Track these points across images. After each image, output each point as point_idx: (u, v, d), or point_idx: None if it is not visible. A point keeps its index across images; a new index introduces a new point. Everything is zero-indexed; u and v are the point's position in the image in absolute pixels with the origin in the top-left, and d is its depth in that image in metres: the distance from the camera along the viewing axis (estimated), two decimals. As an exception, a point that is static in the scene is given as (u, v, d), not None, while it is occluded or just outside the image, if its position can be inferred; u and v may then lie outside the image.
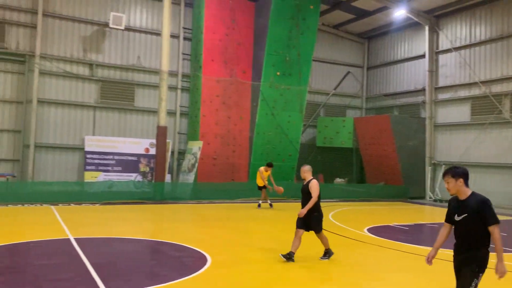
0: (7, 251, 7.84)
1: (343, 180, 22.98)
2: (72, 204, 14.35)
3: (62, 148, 18.76)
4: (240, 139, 20.38)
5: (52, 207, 13.58)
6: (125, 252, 8.10)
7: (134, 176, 19.08)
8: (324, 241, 7.68)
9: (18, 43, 18.06)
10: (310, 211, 7.43)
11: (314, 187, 7.47)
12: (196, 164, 18.72)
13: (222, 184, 18.77)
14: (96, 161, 18.62)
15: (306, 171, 7.79)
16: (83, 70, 19.25)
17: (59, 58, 18.68)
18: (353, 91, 26.01)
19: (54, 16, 18.64)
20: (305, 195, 7.57)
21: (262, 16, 20.27)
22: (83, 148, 18.69)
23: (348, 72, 25.75)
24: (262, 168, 15.08)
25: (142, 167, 19.58)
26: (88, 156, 18.46)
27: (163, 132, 16.93)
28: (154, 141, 18.39)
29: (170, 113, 20.02)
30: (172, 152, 20.50)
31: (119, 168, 19.03)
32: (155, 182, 16.87)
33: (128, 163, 19.30)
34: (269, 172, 15.15)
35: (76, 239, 8.73)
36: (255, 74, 20.50)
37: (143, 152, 19.67)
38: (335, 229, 11.08)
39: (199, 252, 7.98)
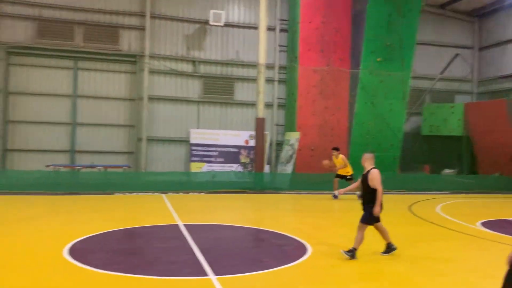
0: (126, 235, 8.66)
1: (452, 171, 21.36)
2: (180, 193, 15.35)
3: (170, 140, 20.13)
4: (338, 130, 19.99)
5: (163, 195, 14.66)
6: (229, 239, 8.45)
7: (235, 167, 19.81)
8: (358, 237, 6.83)
9: (130, 44, 19.71)
10: (367, 202, 6.86)
11: (376, 178, 6.78)
12: (294, 155, 18.81)
13: (320, 175, 18.62)
14: (200, 152, 19.69)
15: (366, 159, 7.03)
16: (187, 67, 20.39)
17: (165, 57, 20.01)
18: (462, 74, 23.96)
19: (160, 17, 19.97)
20: (364, 185, 6.91)
21: (360, 1, 19.57)
22: (188, 141, 19.87)
23: (457, 55, 23.75)
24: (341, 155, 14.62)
25: (243, 158, 20.22)
26: (193, 148, 19.59)
27: (261, 124, 17.28)
28: (253, 133, 18.86)
29: (268, 105, 20.33)
30: (270, 144, 20.84)
31: (221, 159, 19.89)
32: (255, 173, 17.32)
33: (230, 155, 20.07)
34: (338, 159, 14.59)
35: (185, 225, 9.33)
36: (354, 62, 19.91)
37: (243, 144, 20.29)
38: (445, 223, 10.36)
39: (300, 241, 8.02)
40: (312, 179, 17.73)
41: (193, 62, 20.42)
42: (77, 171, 16.74)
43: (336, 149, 14.86)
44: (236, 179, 18.06)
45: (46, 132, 18.85)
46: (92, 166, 17.06)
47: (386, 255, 7.03)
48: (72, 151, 19.04)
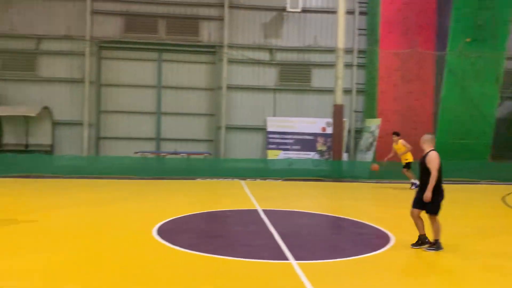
0: (208, 217, 8.99)
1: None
2: (258, 179, 15.61)
3: (247, 128, 20.48)
4: (423, 116, 18.96)
5: (241, 181, 15.00)
6: (308, 225, 8.42)
7: (311, 155, 19.66)
8: (435, 228, 6.38)
9: (209, 35, 20.25)
10: (426, 189, 6.30)
11: (433, 160, 6.19)
12: (375, 143, 18.21)
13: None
14: (276, 140, 19.81)
15: (425, 141, 6.46)
16: (264, 56, 20.51)
17: (243, 46, 20.29)
18: None
19: (239, 7, 20.25)
20: (423, 170, 6.36)
21: (447, -22, 18.25)
22: (265, 129, 20.08)
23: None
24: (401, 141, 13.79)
25: (319, 146, 19.99)
26: (270, 136, 19.75)
27: (339, 111, 16.92)
28: (330, 120, 18.54)
29: (346, 91, 19.83)
30: (349, 131, 20.36)
31: (298, 147, 19.83)
32: (333, 161, 17.05)
33: (306, 142, 19.95)
34: (398, 144, 13.75)
35: (263, 211, 9.47)
36: (440, 43, 18.69)
37: (320, 131, 20.04)
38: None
39: (382, 230, 7.77)
40: (394, 167, 17.04)
41: (270, 50, 20.48)
42: (162, 157, 17.68)
43: (396, 133, 14.13)
44: (313, 167, 17.93)
45: (134, 121, 20.11)
46: (175, 153, 17.92)
47: (415, 247, 6.54)
48: (157, 139, 20.13)
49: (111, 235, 7.20)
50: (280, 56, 20.59)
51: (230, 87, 20.18)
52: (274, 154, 19.49)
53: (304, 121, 20.05)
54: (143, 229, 7.56)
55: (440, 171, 6.24)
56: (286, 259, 5.90)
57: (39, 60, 19.45)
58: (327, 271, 5.49)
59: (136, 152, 18.32)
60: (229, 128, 20.26)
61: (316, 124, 20.01)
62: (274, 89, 20.56)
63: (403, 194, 13.30)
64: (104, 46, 19.80)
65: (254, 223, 8.26)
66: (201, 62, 20.47)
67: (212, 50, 20.30)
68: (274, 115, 20.41)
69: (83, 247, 6.41)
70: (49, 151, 18.97)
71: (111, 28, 19.75)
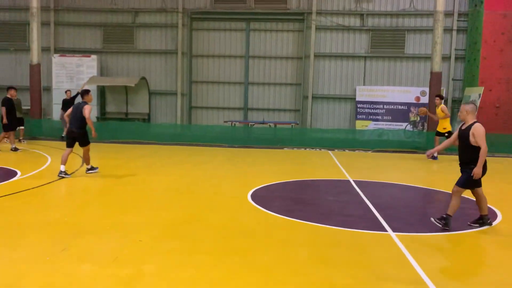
0: (299, 186, 9.07)
1: None
2: (346, 150, 15.33)
3: (335, 98, 20.05)
4: (533, 84, 17.10)
5: (329, 151, 14.83)
6: (403, 197, 8.15)
7: (404, 126, 18.79)
8: (481, 204, 5.94)
9: (298, 2, 19.86)
10: (466, 162, 5.80)
11: (481, 134, 5.63)
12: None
13: (506, 135, 16.38)
14: (366, 110, 19.18)
15: (468, 112, 5.83)
16: (355, 21, 19.70)
17: (332, 12, 19.64)
18: None
19: (328, -29, 19.53)
20: (464, 142, 5.81)
21: None
22: (354, 98, 19.51)
23: None
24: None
25: (412, 117, 19.01)
26: (359, 105, 19.16)
27: (437, 79, 15.83)
28: (425, 89, 17.45)
29: (444, 58, 18.44)
30: (446, 100, 19.04)
31: (389, 117, 19.05)
32: (427, 132, 16.14)
33: (398, 112, 19.07)
34: (438, 108, 12.58)
35: (355, 181, 9.32)
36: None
37: (413, 101, 19.01)
38: None
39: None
40: (496, 140, 15.72)
41: (361, 15, 19.60)
42: (250, 126, 18.03)
43: (440, 96, 12.79)
44: (405, 138, 17.14)
45: (223, 91, 20.66)
46: (263, 123, 18.16)
47: (476, 229, 5.95)
48: (245, 108, 20.53)
49: (210, 198, 7.58)
50: (371, 22, 19.64)
51: (318, 55, 19.78)
52: (363, 125, 18.94)
53: (396, 90, 19.12)
54: (238, 194, 7.86)
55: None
56: (384, 230, 5.79)
57: (137, 33, 20.58)
58: (428, 244, 5.29)
59: (226, 121, 18.89)
60: (316, 97, 19.99)
61: (410, 93, 18.99)
62: (365, 57, 19.77)
63: (506, 167, 12.26)
64: (195, 17, 20.36)
65: (347, 193, 8.18)
66: (289, 30, 20.24)
67: (301, 17, 19.94)
68: (364, 84, 19.71)
69: (187, 207, 6.84)
70: (146, 119, 20.26)
71: (202, -1, 20.21)
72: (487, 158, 5.85)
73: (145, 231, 5.52)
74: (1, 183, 8.26)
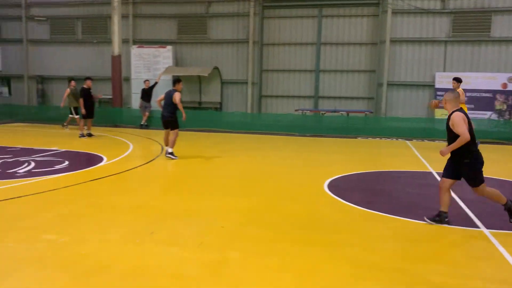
0: (377, 177, 8.75)
1: None
2: (425, 140, 14.57)
3: (412, 85, 19.09)
4: None
5: (407, 141, 14.19)
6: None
7: (488, 114, 17.48)
8: (493, 197, 5.27)
9: (372, -14, 19.07)
10: (459, 156, 5.20)
11: (456, 121, 5.13)
12: None
13: None
14: (446, 98, 18.04)
15: (446, 100, 5.39)
16: (435, 4, 18.54)
17: (410, -5, 18.64)
18: None
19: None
20: (448, 134, 5.35)
21: None
22: (433, 85, 18.46)
23: None
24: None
25: (498, 105, 17.62)
26: (439, 93, 18.09)
27: (529, 63, 14.47)
28: (515, 74, 16.07)
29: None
30: (537, 87, 17.41)
31: (471, 106, 17.79)
32: (516, 121, 14.89)
33: (482, 100, 17.77)
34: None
35: (438, 173, 8.80)
36: None
37: (500, 88, 17.60)
38: None
39: None
40: None
41: (442, -3, 18.40)
42: (321, 115, 17.74)
43: (457, 80, 11.38)
44: (490, 128, 15.96)
45: (293, 79, 20.48)
46: (335, 111, 17.78)
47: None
48: (316, 97, 20.21)
49: (286, 187, 7.54)
50: (453, 4, 18.36)
51: (394, 41, 18.90)
52: (443, 113, 17.86)
53: (480, 76, 17.80)
54: (315, 183, 7.74)
55: (472, 133, 5.15)
56: (476, 226, 5.40)
57: (209, 23, 20.95)
58: (530, 244, 4.85)
59: (296, 110, 18.73)
60: (391, 84, 19.17)
61: (495, 80, 17.61)
62: (446, 41, 18.56)
63: None
64: (267, 5, 20.28)
65: (430, 186, 7.74)
66: (363, 16, 19.52)
67: (376, 1, 19.14)
68: (444, 70, 18.55)
69: (264, 195, 6.85)
70: (218, 108, 20.66)
71: (274, -13, 20.06)
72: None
73: (227, 217, 5.60)
74: (91, 167, 8.83)
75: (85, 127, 13.85)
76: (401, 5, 18.65)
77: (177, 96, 9.75)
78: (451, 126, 5.24)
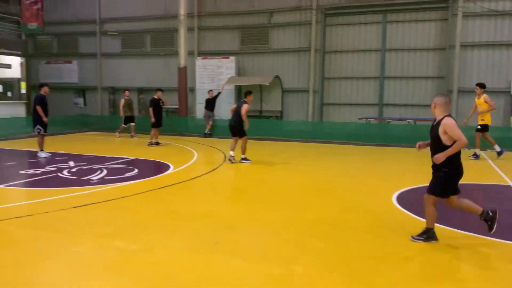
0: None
1: None
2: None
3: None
4: None
5: (481, 152, 13.31)
6: None
7: None
8: (464, 207, 5.08)
9: (441, -11, 18.25)
10: (440, 165, 4.91)
11: (452, 126, 4.77)
12: None
13: None
14: (524, 105, 16.77)
15: (436, 104, 5.00)
16: (510, 5, 17.35)
17: (483, -4, 17.60)
18: None
19: (478, -49, 17.51)
20: (434, 141, 4.99)
21: None
22: (509, 91, 17.22)
23: None
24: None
25: None
26: (516, 99, 16.86)
27: None
28: None
29: None
30: None
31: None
32: None
33: None
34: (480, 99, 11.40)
35: (518, 187, 8.15)
36: None
37: None
38: None
39: None
40: None
41: (519, -3, 17.17)
42: (386, 123, 17.15)
43: (481, 85, 11.51)
44: None
45: (356, 87, 20.03)
46: (401, 119, 17.12)
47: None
48: (380, 104, 19.60)
49: (352, 198, 7.32)
50: (532, 4, 17.09)
51: (464, 45, 17.90)
52: (522, 122, 16.61)
53: None
54: (382, 195, 7.45)
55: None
56: None
57: (271, 33, 21.10)
58: None
59: (360, 118, 18.27)
60: (462, 91, 18.13)
61: None
62: (523, 44, 17.29)
63: None
64: (329, 13, 20.08)
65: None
66: (430, 20, 18.70)
67: (444, 5, 18.27)
68: (522, 75, 17.26)
69: (328, 207, 6.69)
70: (278, 116, 20.68)
71: (336, -6, 19.83)
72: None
73: (291, 229, 5.52)
74: (159, 175, 9.14)
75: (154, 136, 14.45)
76: (473, 8, 17.64)
77: (244, 107, 10.60)
78: (441, 133, 4.89)
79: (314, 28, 19.93)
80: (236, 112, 10.76)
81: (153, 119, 14.17)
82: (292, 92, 20.97)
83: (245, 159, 10.83)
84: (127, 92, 16.83)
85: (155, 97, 14.46)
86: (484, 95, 11.90)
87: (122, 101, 16.51)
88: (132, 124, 16.97)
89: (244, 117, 10.61)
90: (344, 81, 20.24)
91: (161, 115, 14.65)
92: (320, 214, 6.32)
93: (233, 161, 10.64)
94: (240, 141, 10.95)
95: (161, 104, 14.56)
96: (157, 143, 14.34)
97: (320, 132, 17.51)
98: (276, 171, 9.91)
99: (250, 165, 10.52)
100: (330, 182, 8.84)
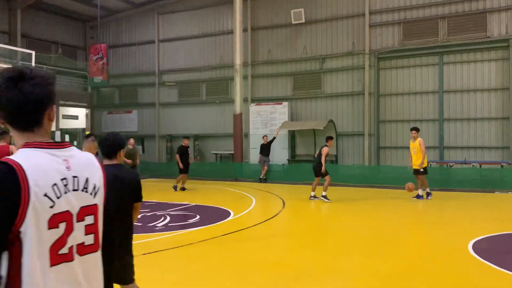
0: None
1: None
2: None
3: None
4: None
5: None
6: None
7: None
8: None
9: (499, 29, 17.79)
10: None
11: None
12: None
13: None
14: None
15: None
16: None
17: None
18: None
19: (538, -11, 17.08)
20: None
21: None
22: None
23: None
24: None
25: None
26: None
27: None
28: None
29: None
30: None
31: None
32: None
33: None
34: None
35: None
36: None
37: None
38: None
39: None
40: None
41: None
42: (448, 167, 16.42)
43: (415, 129, 12.51)
44: None
45: (413, 130, 19.50)
46: (465, 162, 16.35)
47: None
48: (441, 147, 18.91)
49: (424, 247, 6.94)
50: None
51: (530, 84, 17.14)
52: None
53: None
54: (456, 244, 7.01)
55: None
56: None
57: (324, 78, 21.30)
58: None
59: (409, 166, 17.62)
60: (530, 132, 17.18)
61: None
62: None
63: None
64: (382, 57, 20.07)
65: None
66: (490, 60, 18.16)
67: (504, 44, 17.75)
68: None
69: (400, 256, 6.36)
70: (333, 160, 20.41)
71: (389, 38, 19.85)
72: None
73: (365, 281, 5.27)
74: (221, 221, 9.16)
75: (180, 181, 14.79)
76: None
77: (324, 150, 11.86)
78: None
79: (367, 72, 19.93)
80: (318, 154, 12.01)
81: (181, 165, 14.45)
82: (346, 135, 20.76)
83: (325, 197, 11.62)
84: (131, 140, 14.40)
85: (183, 144, 14.87)
86: (420, 139, 12.54)
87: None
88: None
89: (322, 159, 11.67)
90: (400, 124, 19.82)
91: (188, 162, 14.90)
92: (394, 264, 6.01)
93: (314, 198, 11.78)
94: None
95: (188, 151, 14.94)
96: (183, 189, 14.58)
97: (377, 177, 17.05)
98: (339, 216, 9.65)
99: (312, 210, 10.34)
100: (398, 229, 8.46)
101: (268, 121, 21.23)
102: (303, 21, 21.14)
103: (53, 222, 1.49)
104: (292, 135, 21.28)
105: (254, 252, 6.67)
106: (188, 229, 8.30)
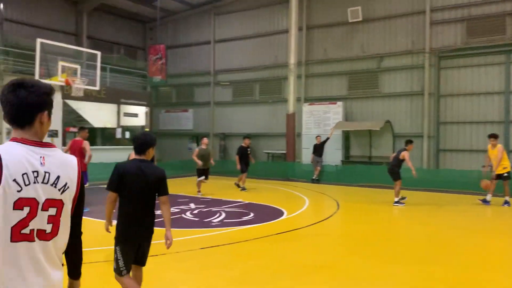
0: None
1: None
2: None
3: None
4: None
5: None
6: None
7: None
8: None
9: None
10: None
11: None
12: None
13: None
14: None
15: None
16: None
17: None
18: None
19: None
20: None
21: None
22: None
23: None
24: None
25: None
26: None
27: None
28: None
29: None
30: None
31: None
32: None
33: None
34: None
35: None
36: None
37: None
38: None
39: None
40: None
41: None
42: (515, 172, 15.41)
43: (494, 136, 11.83)
44: None
45: (477, 132, 18.53)
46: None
47: None
48: (507, 150, 17.79)
49: (484, 255, 6.58)
50: None
51: None
52: None
53: None
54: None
55: None
56: None
57: (381, 77, 20.73)
58: None
59: (483, 166, 16.71)
60: None
61: None
62: None
63: None
64: (443, 56, 19.22)
65: None
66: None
67: None
68: None
69: (458, 263, 6.08)
70: (390, 162, 19.80)
71: (451, 36, 18.97)
72: None
73: (421, 287, 5.07)
74: (274, 220, 9.19)
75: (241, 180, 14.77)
76: None
77: (405, 155, 11.67)
78: None
79: (427, 71, 19.18)
80: (395, 157, 11.86)
81: (238, 166, 14.46)
82: (404, 137, 19.87)
83: (397, 202, 11.46)
84: (205, 140, 14.28)
85: (243, 144, 14.84)
86: (499, 145, 12.11)
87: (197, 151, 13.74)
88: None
89: (409, 163, 11.56)
90: (462, 126, 18.90)
91: (248, 162, 14.80)
92: (452, 271, 5.75)
93: (399, 204, 11.41)
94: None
95: (249, 152, 14.84)
96: (243, 189, 14.51)
97: (437, 181, 16.35)
98: (394, 221, 9.38)
99: (364, 215, 10.12)
100: (456, 235, 8.08)
101: (321, 121, 20.99)
102: (360, 19, 20.69)
103: (18, 205, 1.78)
104: (347, 136, 20.91)
105: (308, 253, 6.63)
106: (242, 226, 8.40)
